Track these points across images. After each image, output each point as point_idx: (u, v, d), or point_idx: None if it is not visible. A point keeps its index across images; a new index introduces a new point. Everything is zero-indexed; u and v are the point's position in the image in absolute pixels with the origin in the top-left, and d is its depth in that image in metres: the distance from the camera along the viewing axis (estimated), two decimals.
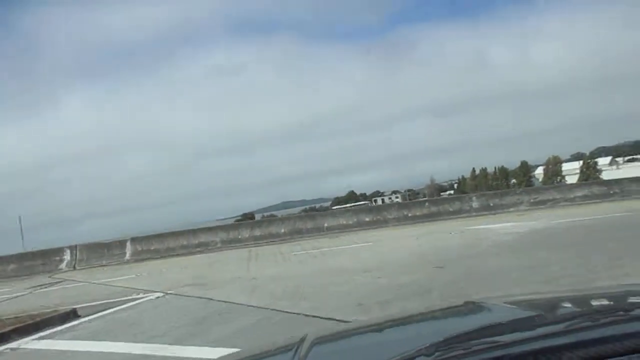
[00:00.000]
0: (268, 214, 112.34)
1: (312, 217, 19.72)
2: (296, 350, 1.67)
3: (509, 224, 16.28)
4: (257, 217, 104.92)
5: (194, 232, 19.18)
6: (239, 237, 18.88)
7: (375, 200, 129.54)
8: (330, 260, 12.83)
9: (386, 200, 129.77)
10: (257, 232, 19.09)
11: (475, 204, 20.27)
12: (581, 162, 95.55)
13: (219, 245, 18.57)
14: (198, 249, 18.30)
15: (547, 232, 13.40)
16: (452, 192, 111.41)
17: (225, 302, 9.04)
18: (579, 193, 20.73)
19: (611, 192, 20.93)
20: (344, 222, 19.30)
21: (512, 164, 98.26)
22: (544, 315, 1.59)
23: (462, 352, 1.24)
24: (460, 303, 2.14)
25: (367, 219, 19.60)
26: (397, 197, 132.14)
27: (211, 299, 9.49)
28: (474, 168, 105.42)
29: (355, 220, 19.47)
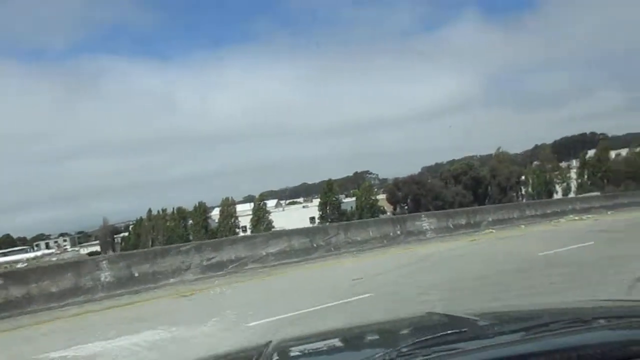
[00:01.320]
0: None
1: None
2: (260, 355, 1.62)
3: (159, 334, 7.02)
4: None
5: None
6: None
7: (38, 245, 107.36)
8: None
9: (51, 244, 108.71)
10: None
11: (107, 276, 10.47)
12: (252, 204, 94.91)
13: None
14: None
15: None
16: (127, 233, 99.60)
17: None
18: (273, 249, 13.05)
19: (314, 245, 13.91)
20: None
21: (192, 204, 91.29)
22: (504, 325, 1.59)
23: (423, 358, 1.21)
24: (422, 314, 2.18)
25: None
26: (65, 241, 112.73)
27: None
28: (150, 209, 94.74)
29: None
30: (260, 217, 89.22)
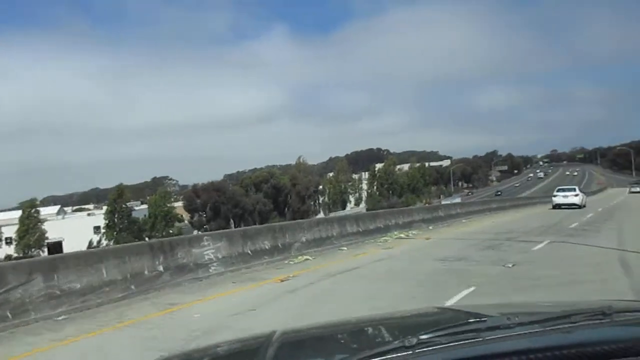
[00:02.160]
0: None
1: None
2: (265, 344, 1.49)
3: None
4: None
5: None
6: None
7: None
8: None
9: None
10: None
11: None
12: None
13: None
14: None
15: None
16: None
17: None
18: None
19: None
20: None
21: None
22: (516, 319, 1.39)
23: (440, 346, 1.15)
24: (430, 308, 2.19)
25: None
26: None
27: None
28: None
29: None
30: (30, 227, 73.20)
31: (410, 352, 1.13)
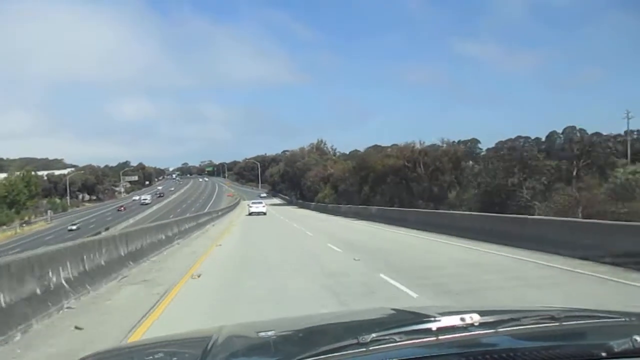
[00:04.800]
0: None
1: None
2: (213, 341, 1.40)
3: None
4: None
5: None
6: None
7: None
8: None
9: None
10: None
11: None
12: None
13: None
14: None
15: None
16: None
17: None
18: None
19: None
20: None
21: None
22: (470, 319, 1.34)
23: (394, 344, 1.13)
24: (384, 309, 2.05)
25: None
26: None
27: None
28: None
29: None
30: None
31: (364, 349, 1.11)
